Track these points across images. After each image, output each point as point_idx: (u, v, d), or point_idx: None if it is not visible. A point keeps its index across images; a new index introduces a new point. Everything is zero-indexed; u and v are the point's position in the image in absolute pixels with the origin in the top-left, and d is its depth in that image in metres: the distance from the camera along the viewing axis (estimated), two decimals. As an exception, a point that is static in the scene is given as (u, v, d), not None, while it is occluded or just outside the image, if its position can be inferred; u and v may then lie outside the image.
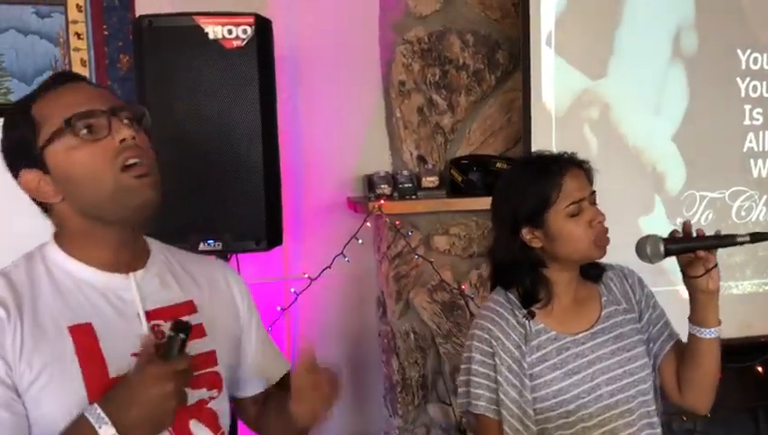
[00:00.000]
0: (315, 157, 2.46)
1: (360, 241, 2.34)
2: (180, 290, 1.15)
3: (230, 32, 1.85)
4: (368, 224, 2.36)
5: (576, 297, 1.45)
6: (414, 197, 2.38)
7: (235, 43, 1.85)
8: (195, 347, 1.09)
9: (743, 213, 2.52)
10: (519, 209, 1.39)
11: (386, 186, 2.37)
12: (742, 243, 1.31)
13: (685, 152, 2.46)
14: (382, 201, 2.31)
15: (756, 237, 1.31)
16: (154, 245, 1.19)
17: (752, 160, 2.52)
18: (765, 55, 2.47)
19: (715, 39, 2.44)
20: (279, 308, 2.32)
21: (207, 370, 1.13)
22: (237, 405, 1.29)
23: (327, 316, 2.54)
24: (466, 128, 2.55)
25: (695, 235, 1.33)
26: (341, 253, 2.32)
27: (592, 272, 1.47)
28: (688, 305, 1.41)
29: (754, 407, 2.86)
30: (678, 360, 1.45)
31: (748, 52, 2.46)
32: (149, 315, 1.09)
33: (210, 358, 1.14)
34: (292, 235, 2.43)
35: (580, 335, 1.41)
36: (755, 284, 2.56)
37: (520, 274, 1.41)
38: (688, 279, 1.36)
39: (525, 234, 1.39)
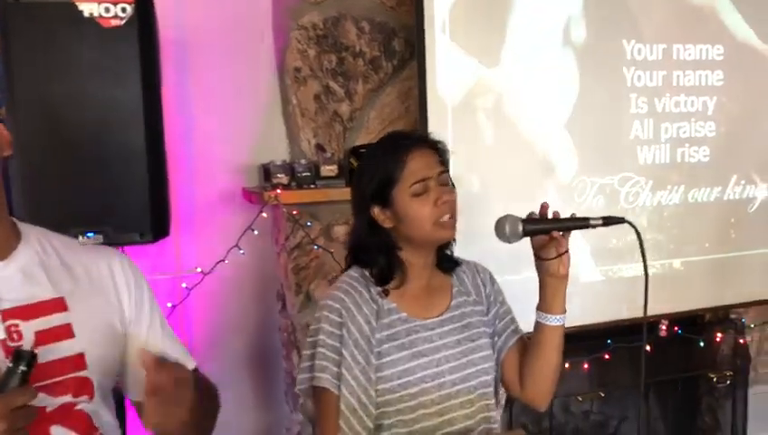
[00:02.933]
0: (208, 145, 2.36)
1: (256, 232, 2.27)
2: (50, 285, 1.05)
3: (107, 10, 1.73)
4: (264, 215, 2.29)
5: (429, 284, 1.43)
6: (313, 186, 2.32)
7: (114, 23, 1.74)
8: (59, 350, 1.01)
9: (630, 198, 2.62)
10: (367, 188, 1.37)
11: (283, 175, 2.30)
12: (595, 226, 1.34)
13: (576, 140, 2.53)
14: (279, 191, 2.24)
15: (607, 221, 1.34)
16: (31, 233, 1.08)
17: (638, 148, 2.62)
18: (648, 46, 2.57)
19: (603, 29, 2.52)
20: (170, 305, 2.21)
21: (73, 374, 1.03)
22: (136, 409, 1.17)
23: (224, 312, 2.45)
24: (365, 116, 2.52)
25: (551, 217, 1.35)
26: (236, 245, 2.24)
27: (447, 264, 1.47)
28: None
29: (646, 384, 2.99)
30: (522, 355, 1.47)
31: (633, 42, 2.55)
32: (5, 315, 0.99)
33: (77, 361, 1.04)
34: (184, 227, 2.32)
35: (429, 321, 1.40)
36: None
37: (374, 254, 1.38)
38: (540, 262, 1.38)
39: (377, 214, 1.37)
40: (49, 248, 1.09)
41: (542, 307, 1.41)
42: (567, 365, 2.65)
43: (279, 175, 2.29)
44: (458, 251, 2.09)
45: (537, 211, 1.37)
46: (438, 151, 1.41)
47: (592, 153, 2.56)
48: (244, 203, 2.38)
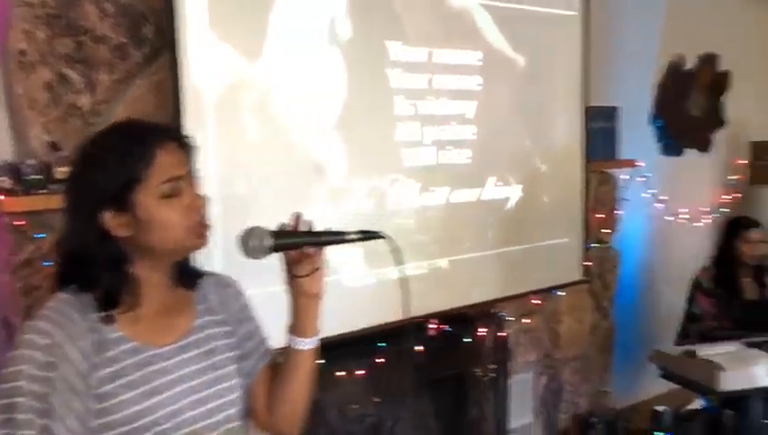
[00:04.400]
0: None
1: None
2: None
3: None
4: (-19, 226, 1.90)
5: (166, 304, 1.21)
6: (44, 191, 1.97)
7: None
8: None
9: (399, 200, 2.62)
10: (99, 187, 1.11)
11: (5, 178, 1.93)
12: (352, 240, 1.22)
13: (346, 141, 2.46)
14: (1, 197, 1.88)
15: (366, 235, 1.22)
16: None
17: (404, 150, 2.63)
18: (412, 48, 2.59)
19: (368, 28, 2.48)
20: None
21: None
22: None
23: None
24: (112, 110, 2.21)
25: (305, 229, 1.21)
26: (-59, 264, 1.83)
27: (189, 278, 1.25)
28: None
29: (419, 383, 3.03)
30: (272, 379, 1.32)
31: (397, 44, 2.54)
32: None
33: None
34: None
35: (166, 349, 1.17)
36: (412, 267, 2.68)
37: (97, 270, 1.11)
38: (292, 279, 1.23)
39: (108, 219, 1.11)
40: None
41: (294, 330, 1.26)
42: (343, 373, 2.59)
43: (1, 178, 1.93)
44: (219, 263, 1.91)
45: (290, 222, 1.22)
46: (186, 147, 1.19)
47: (362, 155, 2.51)
48: (-46, 212, 1.96)
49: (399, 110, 2.59)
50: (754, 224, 3.47)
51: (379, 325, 2.55)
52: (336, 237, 1.21)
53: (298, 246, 1.20)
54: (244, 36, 2.21)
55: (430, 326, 2.80)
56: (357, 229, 1.22)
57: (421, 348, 2.62)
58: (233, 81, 2.20)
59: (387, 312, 2.57)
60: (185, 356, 1.19)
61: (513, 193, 2.99)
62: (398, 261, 1.25)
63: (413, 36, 2.59)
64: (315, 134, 2.39)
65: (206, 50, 2.12)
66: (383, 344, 2.64)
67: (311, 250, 1.21)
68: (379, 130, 2.56)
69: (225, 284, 1.33)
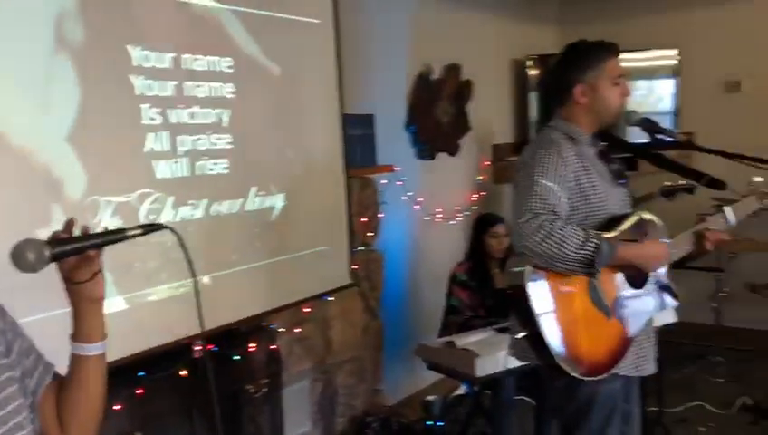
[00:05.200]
0: None
1: None
2: None
3: None
4: None
5: None
6: None
7: None
8: None
9: (151, 216, 2.44)
10: None
11: None
12: (133, 236, 1.21)
13: (82, 154, 2.22)
14: None
15: (147, 229, 1.23)
16: None
17: (154, 162, 2.46)
18: (156, 54, 2.43)
19: (104, 32, 2.28)
20: None
21: None
22: None
23: None
24: None
25: (80, 233, 1.17)
26: None
27: None
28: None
29: (188, 408, 2.87)
30: (60, 393, 1.25)
31: (139, 48, 2.37)
32: None
33: None
34: None
35: None
36: (172, 287, 2.53)
37: None
38: (73, 287, 1.20)
39: None
40: None
41: (79, 337, 1.23)
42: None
43: None
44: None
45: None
46: None
47: (103, 169, 2.29)
48: None
49: (147, 119, 2.42)
50: (499, 220, 3.80)
51: (137, 353, 2.36)
52: (117, 235, 1.20)
53: (80, 250, 1.16)
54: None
55: (195, 348, 2.65)
56: (137, 224, 1.22)
57: (185, 372, 2.47)
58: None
59: (145, 338, 2.40)
60: None
61: (277, 202, 2.95)
62: (186, 256, 1.30)
63: (157, 41, 2.44)
64: (47, 148, 2.14)
65: None
66: (143, 374, 2.44)
67: (91, 253, 1.17)
68: (124, 142, 2.36)
69: None
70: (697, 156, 2.27)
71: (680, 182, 3.62)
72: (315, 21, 3.10)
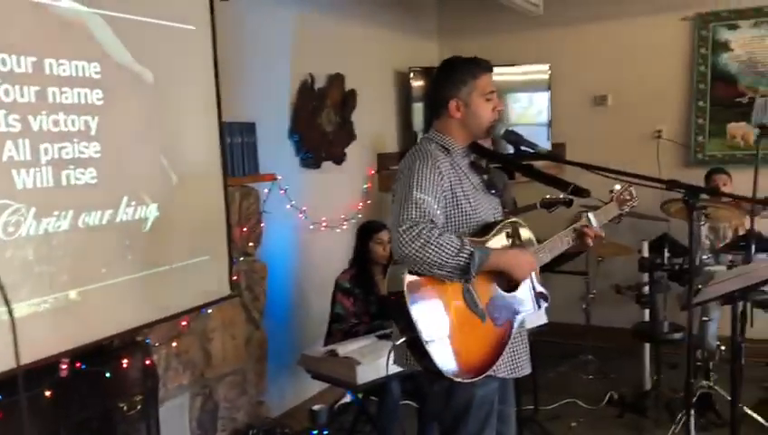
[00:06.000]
0: None
1: None
2: None
3: None
4: None
5: None
6: None
7: None
8: None
9: (10, 229, 2.29)
10: None
11: None
12: None
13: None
14: None
15: None
16: None
17: (14, 171, 2.31)
18: (15, 57, 2.29)
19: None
20: None
21: None
22: None
23: None
24: None
25: None
26: None
27: None
28: None
29: (56, 431, 2.71)
30: None
31: (-5, 51, 2.23)
32: None
33: None
34: None
35: None
36: (34, 303, 2.39)
37: None
38: None
39: None
40: None
41: None
42: None
43: None
44: None
45: None
46: None
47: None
48: None
49: (4, 126, 2.27)
50: (383, 226, 3.85)
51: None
52: None
53: None
54: None
55: (62, 367, 2.51)
56: None
57: (49, 393, 2.33)
58: None
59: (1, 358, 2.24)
60: None
61: (150, 213, 2.85)
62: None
63: (16, 44, 2.30)
64: None
65: None
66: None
67: None
68: (-22, 150, 2.21)
69: None
70: (568, 166, 2.42)
71: (560, 196, 3.89)
72: (191, 27, 3.03)
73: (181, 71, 3.00)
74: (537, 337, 3.65)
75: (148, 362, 2.90)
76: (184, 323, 3.17)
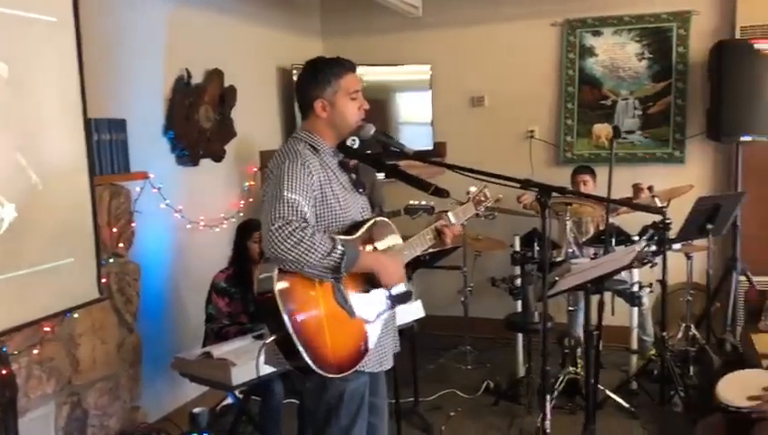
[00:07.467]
0: None
1: None
2: None
3: None
4: None
5: None
6: None
7: None
8: None
9: None
10: None
11: None
12: None
13: None
14: None
15: None
16: None
17: None
18: None
19: None
20: None
21: None
22: None
23: None
24: None
25: None
26: None
27: None
28: None
29: None
30: None
31: None
32: None
33: None
34: None
35: None
36: None
37: None
38: None
39: None
40: None
41: None
42: None
43: None
44: None
45: None
46: None
47: None
48: None
49: None
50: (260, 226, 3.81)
51: None
52: None
53: None
54: None
55: None
56: None
57: None
58: None
59: None
60: None
61: (7, 214, 2.69)
62: None
63: None
64: None
65: None
66: None
67: None
68: None
69: None
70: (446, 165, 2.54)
71: (422, 203, 4.12)
72: (52, 19, 2.88)
73: (40, 64, 2.84)
74: (420, 330, 3.79)
75: (5, 372, 2.74)
76: (47, 328, 3.02)
